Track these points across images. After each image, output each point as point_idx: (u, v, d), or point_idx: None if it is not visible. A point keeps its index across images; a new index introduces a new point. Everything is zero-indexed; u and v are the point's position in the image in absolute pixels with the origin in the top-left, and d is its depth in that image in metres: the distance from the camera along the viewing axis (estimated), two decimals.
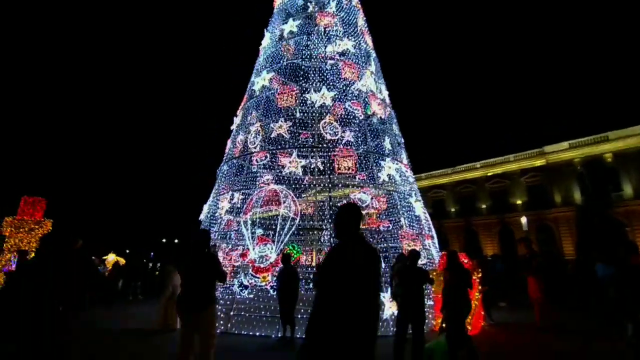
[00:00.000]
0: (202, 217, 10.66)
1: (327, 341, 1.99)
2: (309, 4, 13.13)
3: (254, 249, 8.05)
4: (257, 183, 10.94)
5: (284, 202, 8.31)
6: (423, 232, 9.76)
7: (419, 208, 10.23)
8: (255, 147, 9.98)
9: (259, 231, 8.56)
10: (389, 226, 11.22)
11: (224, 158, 11.32)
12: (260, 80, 11.39)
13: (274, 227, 8.35)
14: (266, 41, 12.87)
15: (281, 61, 11.75)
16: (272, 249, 7.97)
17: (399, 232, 9.25)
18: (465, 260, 8.38)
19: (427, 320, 5.48)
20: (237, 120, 11.76)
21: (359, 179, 13.51)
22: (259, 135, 10.05)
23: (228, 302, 8.08)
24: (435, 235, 10.58)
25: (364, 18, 13.95)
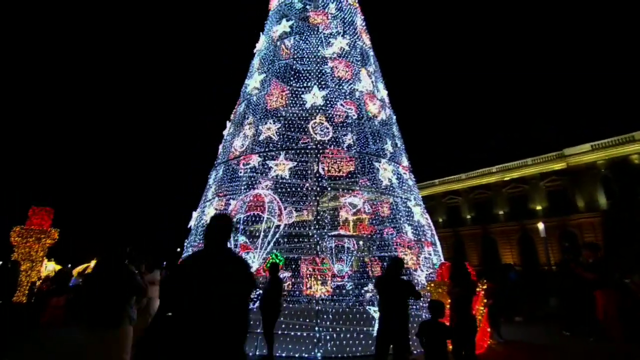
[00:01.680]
0: (191, 224, 10.26)
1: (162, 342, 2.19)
2: (307, 6, 12.84)
3: None
4: (254, 188, 10.50)
5: (269, 207, 7.78)
6: (422, 239, 8.97)
7: (419, 213, 9.46)
8: (243, 150, 9.55)
9: (242, 239, 8.03)
10: (393, 233, 10.51)
11: (215, 163, 10.95)
12: (252, 82, 11.06)
13: (258, 234, 7.83)
14: (260, 44, 12.61)
15: (273, 62, 11.39)
16: (254, 257, 7.42)
17: (394, 238, 8.52)
18: (469, 270, 7.58)
19: (410, 342, 4.71)
20: (229, 124, 11.43)
21: (361, 183, 12.91)
22: (247, 138, 9.63)
23: None
24: (437, 243, 9.76)
25: (363, 17, 13.53)
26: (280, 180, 10.96)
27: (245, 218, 8.04)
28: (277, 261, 7.02)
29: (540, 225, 19.17)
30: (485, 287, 7.75)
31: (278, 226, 7.65)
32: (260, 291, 6.52)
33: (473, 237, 40.46)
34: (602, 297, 6.93)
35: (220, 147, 11.18)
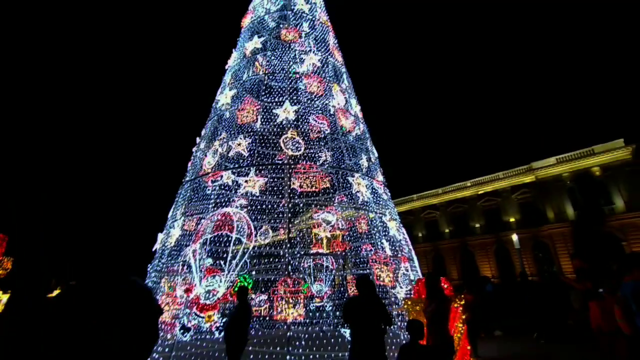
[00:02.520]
0: (156, 247, 9.56)
1: None
2: (280, 25, 12.94)
3: (200, 282, 6.96)
4: (227, 206, 10.01)
5: (238, 226, 7.35)
6: (399, 255, 8.76)
7: (394, 227, 9.29)
8: (212, 167, 9.13)
9: (208, 261, 7.50)
10: (371, 249, 10.26)
11: (183, 180, 10.42)
12: (223, 97, 10.80)
13: (225, 255, 7.33)
14: (232, 60, 12.48)
15: (244, 77, 11.24)
16: (220, 281, 6.90)
17: (370, 255, 8.26)
18: (446, 285, 7.38)
19: None
20: (198, 140, 11.02)
21: (338, 199, 12.69)
22: (217, 154, 9.25)
23: (167, 350, 6.85)
24: (414, 258, 9.58)
25: (335, 36, 13.78)
26: (255, 198, 10.59)
27: (212, 238, 7.54)
28: (246, 284, 6.54)
29: (514, 237, 19.59)
30: (463, 302, 7.57)
31: (247, 246, 7.21)
32: (226, 318, 6.00)
33: (452, 251, 40.98)
34: (596, 307, 6.77)
35: (189, 164, 10.71)
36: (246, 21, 13.44)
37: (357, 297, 4.44)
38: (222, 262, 7.34)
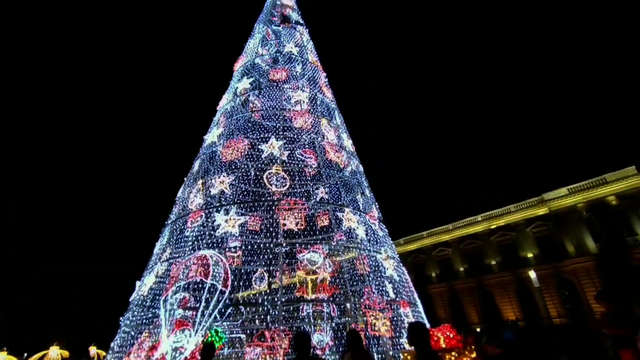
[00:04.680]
0: (133, 297, 8.75)
1: None
2: (270, 67, 13.28)
3: (168, 337, 6.10)
4: (222, 251, 9.38)
5: (213, 270, 6.63)
6: (397, 299, 7.76)
7: (391, 267, 8.38)
8: (194, 207, 8.65)
9: (179, 312, 6.67)
10: (373, 293, 9.22)
11: (165, 223, 9.91)
12: (210, 136, 10.69)
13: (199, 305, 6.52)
14: (224, 101, 12.63)
15: (234, 116, 11.21)
16: (190, 335, 6.03)
17: (361, 300, 7.30)
18: (451, 335, 6.33)
19: None
20: (185, 181, 10.71)
21: (337, 238, 11.91)
22: (199, 193, 8.83)
23: None
24: (418, 302, 8.52)
25: (325, 75, 14.03)
26: (251, 239, 9.98)
27: (185, 285, 6.81)
28: (216, 340, 5.67)
29: (532, 274, 18.02)
30: (474, 355, 6.43)
31: (222, 293, 6.43)
32: None
33: (469, 291, 38.22)
34: (630, 356, 5.64)
35: (174, 208, 10.26)
36: (238, 65, 13.87)
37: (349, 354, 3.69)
38: (193, 313, 6.53)
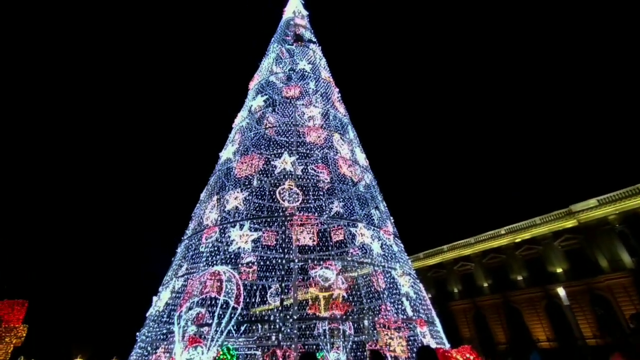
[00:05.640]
0: (150, 312, 8.90)
1: None
2: (284, 84, 13.63)
3: (181, 354, 6.12)
4: (237, 266, 9.50)
5: (226, 287, 6.67)
6: (414, 317, 7.49)
7: (407, 284, 8.13)
8: (209, 222, 8.81)
9: (192, 329, 6.70)
10: (389, 309, 8.95)
11: (182, 237, 10.12)
12: (226, 153, 10.97)
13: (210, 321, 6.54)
14: (239, 119, 13.00)
15: (248, 133, 11.48)
16: (202, 353, 6.03)
17: (376, 319, 7.08)
18: (471, 357, 6.00)
19: None
20: (202, 197, 10.96)
21: (352, 253, 11.76)
22: (214, 208, 9.00)
23: None
24: (436, 320, 8.18)
25: (338, 91, 14.23)
26: (264, 255, 10.02)
27: (199, 301, 6.86)
28: (227, 357, 5.64)
29: (561, 291, 16.98)
30: None
31: (234, 309, 6.42)
32: None
33: (495, 308, 36.34)
34: None
35: (191, 223, 10.49)
36: (253, 83, 14.30)
37: None
38: (207, 330, 6.54)
